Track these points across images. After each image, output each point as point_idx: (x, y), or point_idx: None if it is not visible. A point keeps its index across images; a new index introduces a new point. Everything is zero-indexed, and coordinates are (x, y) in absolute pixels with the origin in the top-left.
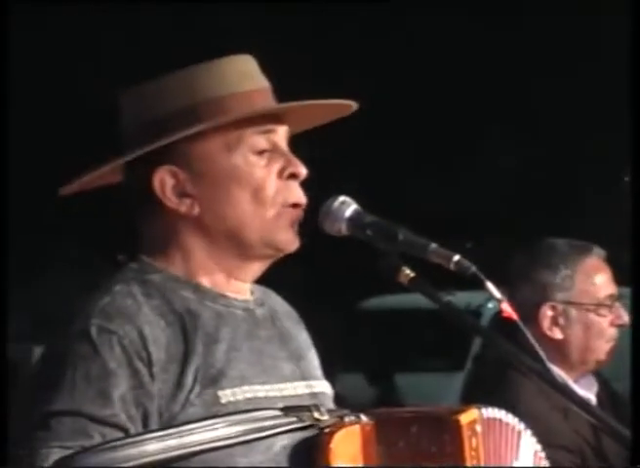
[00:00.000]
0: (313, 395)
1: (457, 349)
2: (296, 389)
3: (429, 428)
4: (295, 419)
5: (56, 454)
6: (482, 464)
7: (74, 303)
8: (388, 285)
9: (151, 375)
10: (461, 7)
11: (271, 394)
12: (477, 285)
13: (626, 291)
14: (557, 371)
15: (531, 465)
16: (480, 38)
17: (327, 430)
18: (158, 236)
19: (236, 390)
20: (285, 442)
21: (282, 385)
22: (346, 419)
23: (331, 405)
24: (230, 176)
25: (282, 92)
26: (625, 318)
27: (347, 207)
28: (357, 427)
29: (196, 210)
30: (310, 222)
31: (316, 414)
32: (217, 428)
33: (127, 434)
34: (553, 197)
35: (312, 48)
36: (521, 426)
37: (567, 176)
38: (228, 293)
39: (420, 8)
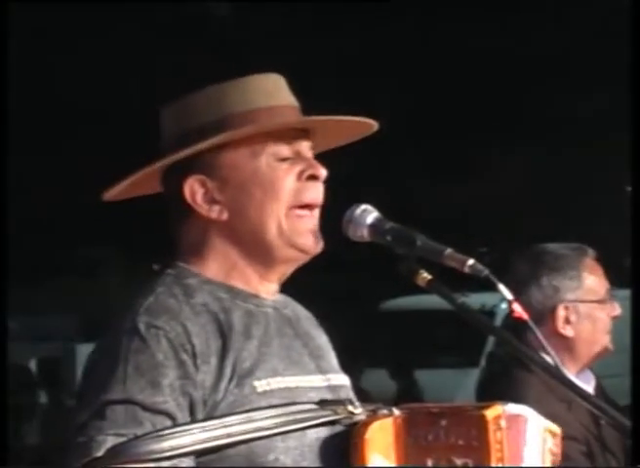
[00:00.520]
0: (337, 386)
1: (471, 347)
2: (321, 381)
3: (457, 422)
4: (330, 412)
5: (109, 442)
6: (505, 456)
7: (121, 305)
8: (407, 287)
9: (195, 366)
10: (476, 20)
11: (301, 385)
12: (490, 287)
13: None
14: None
15: (539, 452)
16: (494, 48)
17: (362, 422)
18: (192, 242)
19: (270, 380)
20: (320, 430)
21: (309, 377)
22: (380, 413)
23: (353, 395)
24: (253, 180)
25: (308, 111)
26: (619, 310)
27: (369, 214)
28: (390, 420)
29: (225, 215)
30: (335, 229)
31: (350, 408)
32: (258, 419)
33: (174, 421)
34: (560, 202)
35: (333, 63)
36: (532, 417)
37: (574, 182)
38: (260, 294)
39: (431, 17)
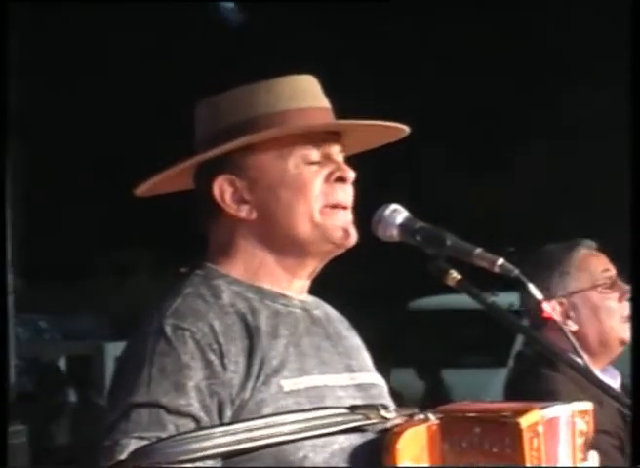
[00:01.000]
0: (368, 386)
1: (499, 347)
2: (351, 380)
3: (492, 430)
4: (361, 417)
5: (133, 445)
6: (544, 463)
7: (149, 306)
8: (436, 286)
9: (223, 365)
10: (500, 26)
11: (329, 384)
12: (519, 286)
13: None
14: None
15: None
16: (517, 54)
17: (395, 429)
18: (221, 242)
19: (297, 380)
20: (352, 434)
21: (338, 376)
22: (415, 418)
23: (387, 396)
24: (281, 182)
25: (340, 112)
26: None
27: (399, 214)
28: (424, 427)
29: (254, 215)
30: (364, 229)
31: (383, 413)
32: (285, 424)
33: (199, 423)
34: (588, 200)
35: (362, 63)
36: (563, 412)
37: (602, 180)
38: (288, 293)
39: (455, 24)
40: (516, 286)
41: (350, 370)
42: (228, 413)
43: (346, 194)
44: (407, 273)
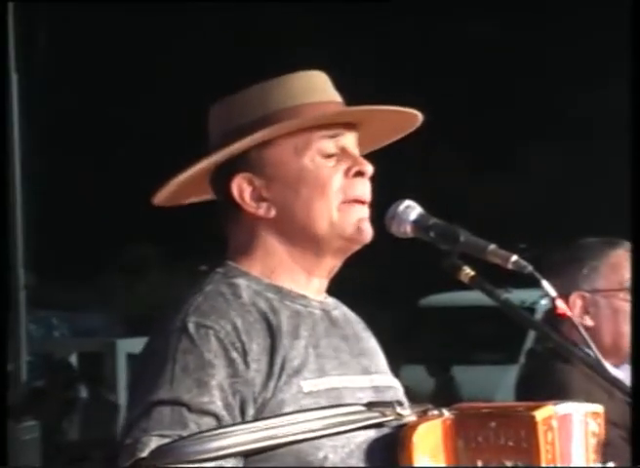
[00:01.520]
0: (385, 388)
1: (510, 343)
2: (369, 382)
3: (507, 424)
4: (378, 414)
5: (154, 443)
6: (558, 458)
7: (170, 304)
8: (446, 283)
9: (246, 364)
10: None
11: (348, 385)
12: (533, 283)
13: None
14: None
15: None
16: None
17: (410, 424)
18: (241, 240)
19: (317, 381)
20: (369, 430)
21: (357, 378)
22: (429, 414)
23: (403, 398)
24: (299, 178)
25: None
26: None
27: (412, 210)
28: (439, 421)
29: (272, 212)
30: (377, 225)
31: (399, 409)
32: (304, 421)
33: (221, 422)
34: (600, 198)
35: (374, 62)
36: (576, 411)
37: (614, 178)
38: (308, 294)
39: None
40: (529, 282)
41: (368, 371)
42: (251, 412)
43: (365, 188)
44: (418, 269)
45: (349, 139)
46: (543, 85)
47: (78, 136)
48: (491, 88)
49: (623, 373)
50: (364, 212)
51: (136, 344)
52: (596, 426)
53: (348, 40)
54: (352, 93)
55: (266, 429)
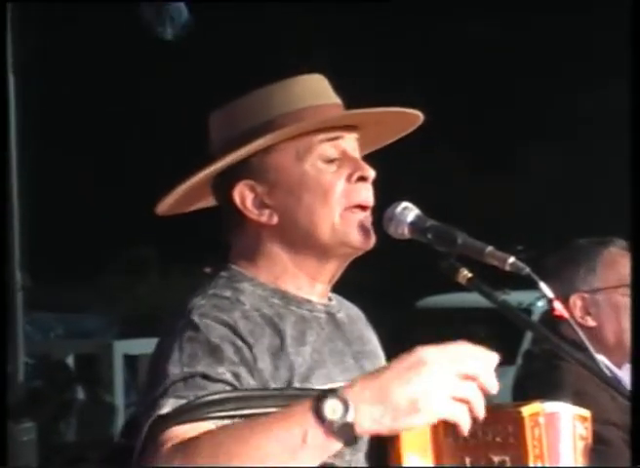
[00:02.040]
0: None
1: (507, 345)
2: None
3: (494, 420)
4: None
5: (171, 403)
6: (545, 455)
7: (172, 306)
8: (444, 284)
9: (253, 356)
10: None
11: None
12: (530, 285)
13: None
14: (603, 359)
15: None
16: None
17: None
18: (245, 246)
19: (324, 388)
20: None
21: None
22: None
23: None
24: (301, 184)
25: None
26: None
27: (410, 212)
28: None
29: (275, 219)
30: (375, 226)
31: None
32: (315, 389)
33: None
34: (598, 199)
35: (374, 62)
36: (564, 410)
37: (612, 179)
38: (312, 298)
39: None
40: (527, 284)
41: None
42: None
43: (368, 193)
44: (415, 271)
45: (350, 142)
46: (543, 85)
47: (78, 136)
48: (491, 88)
49: (625, 374)
50: (367, 217)
51: (133, 346)
52: (584, 430)
53: (348, 40)
54: (352, 93)
55: (282, 397)
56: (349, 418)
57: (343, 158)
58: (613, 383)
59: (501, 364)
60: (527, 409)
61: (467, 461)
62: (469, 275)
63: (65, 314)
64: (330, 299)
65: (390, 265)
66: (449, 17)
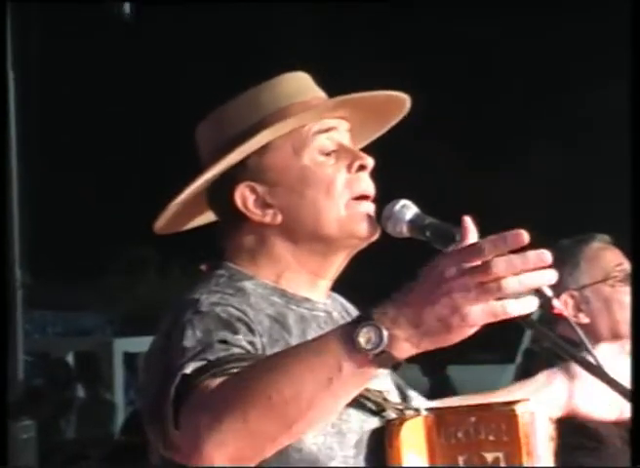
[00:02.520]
0: (386, 392)
1: (507, 343)
2: (378, 384)
3: (487, 418)
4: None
5: (192, 364)
6: (533, 451)
7: (170, 303)
8: None
9: (262, 344)
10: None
11: None
12: None
13: None
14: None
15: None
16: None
17: (393, 421)
18: (245, 245)
19: None
20: (372, 437)
21: None
22: (407, 413)
23: (397, 398)
24: (302, 179)
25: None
26: None
27: (408, 210)
28: (420, 419)
29: (279, 218)
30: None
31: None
32: None
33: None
34: (596, 198)
35: (371, 57)
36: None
37: (609, 178)
38: (311, 297)
39: (463, 17)
40: None
41: None
42: None
43: (369, 182)
44: (414, 269)
45: (344, 134)
46: (543, 85)
47: (77, 136)
48: (491, 87)
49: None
50: (370, 207)
51: (133, 343)
52: (553, 431)
53: (348, 40)
54: (352, 92)
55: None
56: (385, 346)
57: (340, 149)
58: (612, 382)
59: (501, 362)
60: (519, 407)
61: (461, 460)
62: None
63: (65, 312)
64: (327, 298)
65: (389, 264)
66: (449, 16)
